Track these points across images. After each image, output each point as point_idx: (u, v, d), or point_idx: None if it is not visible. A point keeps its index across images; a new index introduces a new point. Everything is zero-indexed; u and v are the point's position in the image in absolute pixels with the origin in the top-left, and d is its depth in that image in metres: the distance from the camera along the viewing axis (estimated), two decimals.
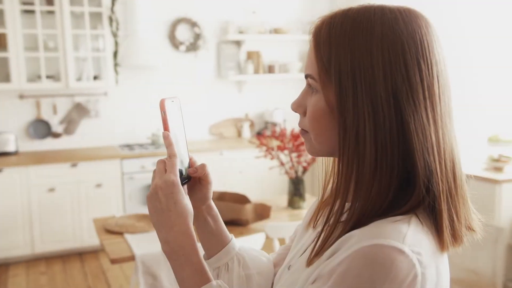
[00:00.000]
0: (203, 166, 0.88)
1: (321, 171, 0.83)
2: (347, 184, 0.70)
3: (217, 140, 5.16)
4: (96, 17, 4.49)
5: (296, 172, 2.98)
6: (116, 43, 4.56)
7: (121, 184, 4.38)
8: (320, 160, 0.83)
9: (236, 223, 2.64)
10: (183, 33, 4.98)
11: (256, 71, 5.18)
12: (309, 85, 0.75)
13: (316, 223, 0.83)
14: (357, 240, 0.65)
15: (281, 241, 3.38)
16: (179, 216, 0.77)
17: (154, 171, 0.81)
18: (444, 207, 0.68)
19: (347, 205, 0.71)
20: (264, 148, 2.97)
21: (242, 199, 2.81)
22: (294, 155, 2.94)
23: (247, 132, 5.22)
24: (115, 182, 4.37)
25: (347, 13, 0.71)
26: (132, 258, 2.37)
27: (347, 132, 0.69)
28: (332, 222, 0.71)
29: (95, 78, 4.56)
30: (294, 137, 2.92)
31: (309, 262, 0.71)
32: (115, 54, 4.57)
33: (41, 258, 4.27)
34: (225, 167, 4.67)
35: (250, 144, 4.47)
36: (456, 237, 0.70)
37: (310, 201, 3.13)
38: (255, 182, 4.73)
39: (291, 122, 5.31)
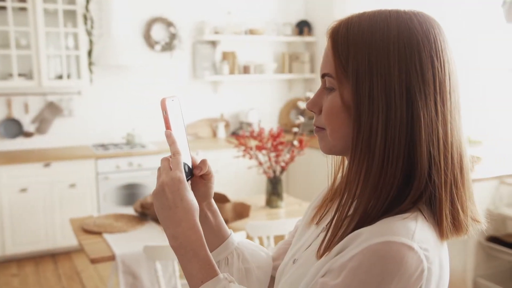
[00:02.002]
0: (204, 161, 0.89)
1: (330, 169, 0.87)
2: (357, 179, 0.73)
3: (192, 140, 5.15)
4: (70, 15, 4.42)
5: (274, 171, 3.01)
6: (91, 42, 4.51)
7: (95, 184, 4.33)
8: (329, 158, 0.86)
9: None
10: (159, 33, 4.96)
11: (232, 72, 5.19)
12: (324, 84, 0.78)
13: (320, 219, 0.86)
14: (367, 237, 0.68)
15: (261, 239, 3.40)
16: (186, 212, 0.78)
17: (159, 169, 0.82)
18: (446, 196, 0.72)
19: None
20: (242, 147, 2.99)
21: (221, 198, 2.82)
22: (272, 154, 2.97)
23: (222, 132, 5.22)
24: (89, 182, 4.31)
25: (363, 15, 0.75)
26: (112, 257, 2.36)
27: (361, 127, 0.72)
28: (339, 215, 0.75)
29: (69, 77, 4.49)
30: (273, 136, 2.94)
31: (320, 255, 0.74)
32: (90, 52, 4.51)
33: (13, 260, 4.18)
34: None
35: (226, 144, 4.48)
36: (459, 227, 0.74)
37: (287, 201, 3.17)
38: (231, 181, 4.74)
39: (266, 122, 5.34)
